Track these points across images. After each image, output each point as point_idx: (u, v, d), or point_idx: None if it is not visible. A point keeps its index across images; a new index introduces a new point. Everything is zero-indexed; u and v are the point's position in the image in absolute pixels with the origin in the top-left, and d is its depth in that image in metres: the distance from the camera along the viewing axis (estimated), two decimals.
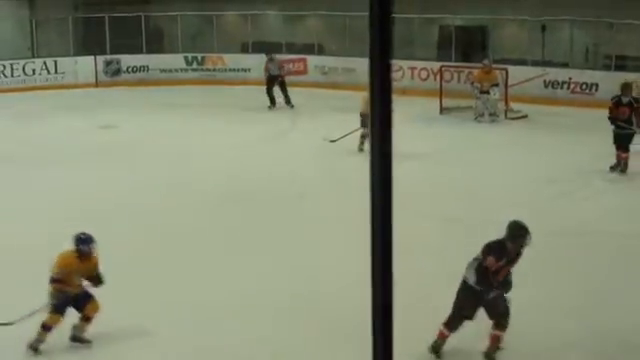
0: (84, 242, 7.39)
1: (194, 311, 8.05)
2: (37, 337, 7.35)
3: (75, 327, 7.49)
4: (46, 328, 7.34)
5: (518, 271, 9.10)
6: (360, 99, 14.60)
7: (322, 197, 11.99)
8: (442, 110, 18.50)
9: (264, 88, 19.68)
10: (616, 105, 12.60)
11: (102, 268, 7.45)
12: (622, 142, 12.62)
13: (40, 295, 7.30)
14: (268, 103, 19.57)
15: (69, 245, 7.42)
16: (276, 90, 19.63)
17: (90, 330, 7.51)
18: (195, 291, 8.54)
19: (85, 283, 7.47)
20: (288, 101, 19.59)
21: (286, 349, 7.40)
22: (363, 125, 14.51)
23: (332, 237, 10.11)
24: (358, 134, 14.50)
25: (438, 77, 19.56)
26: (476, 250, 7.01)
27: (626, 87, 12.81)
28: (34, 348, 7.35)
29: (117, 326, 7.70)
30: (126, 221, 11.01)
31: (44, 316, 7.32)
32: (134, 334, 7.70)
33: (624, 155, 12.70)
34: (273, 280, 8.84)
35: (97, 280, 7.46)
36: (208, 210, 11.50)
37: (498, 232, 6.81)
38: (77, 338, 7.51)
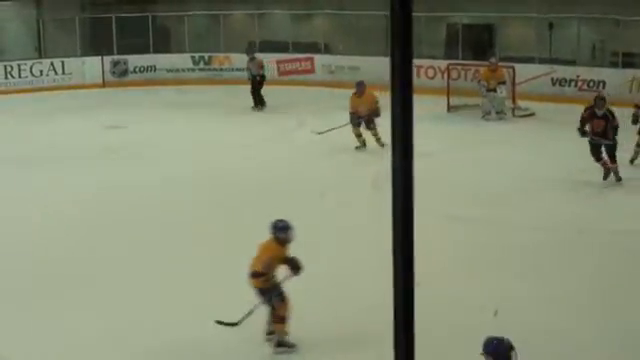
0: (282, 229, 7.16)
1: (205, 310, 8.04)
2: (280, 333, 7.21)
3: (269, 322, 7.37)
4: (283, 320, 7.18)
5: (520, 269, 9.15)
6: (348, 99, 14.66)
7: (328, 194, 11.97)
8: (449, 108, 18.47)
9: (267, 88, 19.67)
10: (591, 117, 12.47)
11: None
12: (608, 153, 12.47)
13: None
14: (261, 103, 19.49)
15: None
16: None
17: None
18: (197, 290, 8.53)
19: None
20: (261, 102, 19.40)
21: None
22: (352, 123, 14.60)
23: (339, 236, 10.11)
24: (353, 133, 14.67)
25: (445, 75, 19.52)
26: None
27: (600, 100, 12.63)
28: (285, 344, 7.21)
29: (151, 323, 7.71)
30: (133, 221, 11.04)
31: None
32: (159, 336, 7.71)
33: (614, 165, 12.57)
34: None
35: (297, 266, 7.20)
36: (213, 208, 11.50)
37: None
38: (271, 332, 7.40)
